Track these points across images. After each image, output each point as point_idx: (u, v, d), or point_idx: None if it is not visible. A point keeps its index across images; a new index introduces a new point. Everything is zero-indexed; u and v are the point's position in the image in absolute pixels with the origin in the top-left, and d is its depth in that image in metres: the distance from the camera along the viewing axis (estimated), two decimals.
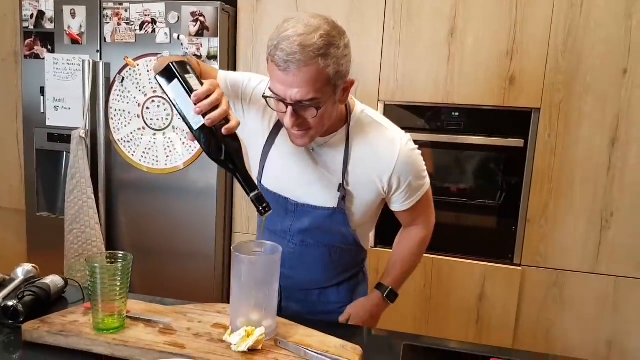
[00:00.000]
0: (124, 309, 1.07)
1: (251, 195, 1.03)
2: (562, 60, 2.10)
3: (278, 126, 1.27)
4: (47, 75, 2.49)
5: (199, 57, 2.31)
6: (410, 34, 2.23)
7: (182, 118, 1.03)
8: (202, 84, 1.01)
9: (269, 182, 1.32)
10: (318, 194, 1.27)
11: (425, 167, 1.30)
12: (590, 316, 2.19)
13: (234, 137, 1.03)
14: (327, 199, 1.26)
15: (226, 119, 1.01)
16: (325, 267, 1.37)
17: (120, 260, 1.07)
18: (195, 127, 1.02)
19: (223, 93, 1.03)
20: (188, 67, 1.04)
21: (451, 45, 2.20)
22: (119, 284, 1.05)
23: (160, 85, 1.04)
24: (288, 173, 1.28)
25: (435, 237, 1.47)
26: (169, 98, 1.03)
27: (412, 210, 1.32)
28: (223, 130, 1.00)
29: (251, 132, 1.31)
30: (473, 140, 2.25)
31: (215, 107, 1.00)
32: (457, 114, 2.27)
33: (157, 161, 2.44)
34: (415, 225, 1.40)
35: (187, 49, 2.31)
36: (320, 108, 1.09)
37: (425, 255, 2.24)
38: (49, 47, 2.46)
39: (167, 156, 2.42)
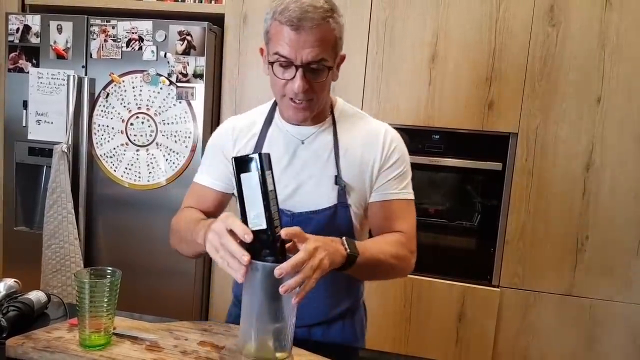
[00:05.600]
0: (111, 326, 1.07)
1: None
2: (538, 87, 2.18)
3: (262, 137, 1.26)
4: (31, 89, 2.47)
5: (185, 75, 2.33)
6: (392, 58, 2.29)
7: (241, 211, 0.94)
8: (274, 184, 0.95)
9: None
10: (312, 194, 1.21)
11: (409, 164, 1.29)
12: (567, 338, 2.24)
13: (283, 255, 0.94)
14: (324, 198, 1.21)
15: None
16: (327, 290, 1.24)
17: (109, 276, 1.07)
18: (252, 227, 0.93)
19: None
20: (270, 163, 0.96)
21: (432, 70, 2.26)
22: (106, 300, 1.04)
23: (234, 168, 0.94)
24: (276, 180, 1.19)
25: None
26: (237, 185, 0.94)
27: (389, 208, 1.24)
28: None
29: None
30: (453, 162, 2.30)
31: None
32: (437, 136, 2.32)
33: (139, 177, 2.43)
34: (392, 232, 1.25)
35: (174, 66, 2.33)
36: (331, 69, 1.10)
37: None
38: (34, 61, 2.46)
39: (150, 172, 2.42)
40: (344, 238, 1.07)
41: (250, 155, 0.92)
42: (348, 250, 1.04)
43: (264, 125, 1.27)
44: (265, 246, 0.93)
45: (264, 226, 0.92)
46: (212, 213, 1.28)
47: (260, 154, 0.92)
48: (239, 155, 0.94)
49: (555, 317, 2.24)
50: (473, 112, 2.23)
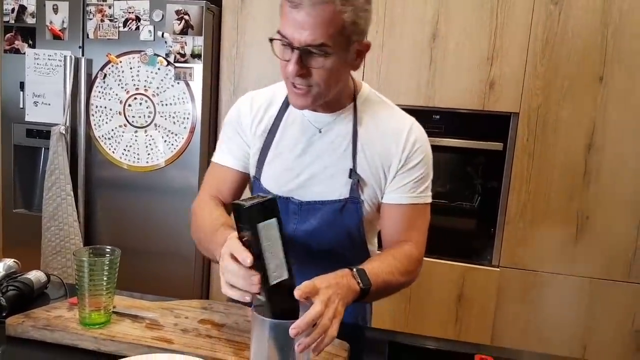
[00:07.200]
0: (111, 304, 1.07)
1: None
2: (540, 67, 2.15)
3: (279, 118, 1.20)
4: (27, 70, 2.45)
5: (183, 55, 2.31)
6: (393, 38, 2.26)
7: (259, 265, 0.84)
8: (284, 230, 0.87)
9: (268, 181, 1.20)
10: (324, 186, 1.16)
11: (431, 165, 1.21)
12: (566, 317, 2.25)
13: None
14: (335, 190, 1.16)
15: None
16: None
17: (108, 255, 1.06)
18: (272, 281, 0.84)
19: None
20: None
21: (433, 50, 2.24)
22: (105, 278, 1.04)
23: (249, 218, 0.83)
24: (288, 167, 1.18)
25: None
26: (252, 236, 0.83)
27: (403, 213, 1.18)
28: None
29: (252, 143, 1.24)
30: (453, 143, 2.28)
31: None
32: (438, 117, 2.31)
33: (138, 159, 2.42)
34: (404, 241, 1.19)
35: (171, 46, 2.31)
36: (329, 56, 0.99)
37: None
38: (30, 42, 2.43)
39: (149, 154, 2.41)
40: (354, 270, 1.00)
41: (267, 200, 0.83)
42: (361, 284, 0.98)
43: (282, 106, 1.20)
44: (284, 295, 0.86)
45: (285, 277, 0.85)
46: (233, 195, 1.25)
47: (274, 198, 0.84)
48: (241, 203, 0.83)
49: (555, 297, 2.25)
50: (474, 92, 2.21)
